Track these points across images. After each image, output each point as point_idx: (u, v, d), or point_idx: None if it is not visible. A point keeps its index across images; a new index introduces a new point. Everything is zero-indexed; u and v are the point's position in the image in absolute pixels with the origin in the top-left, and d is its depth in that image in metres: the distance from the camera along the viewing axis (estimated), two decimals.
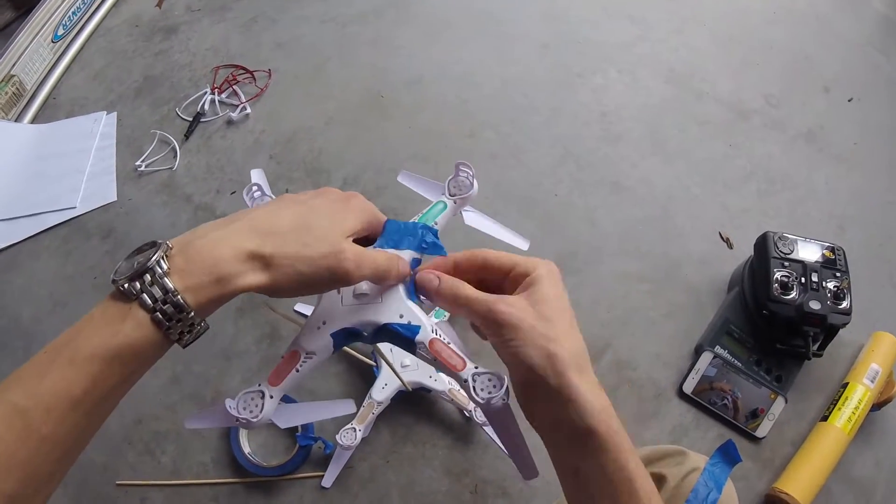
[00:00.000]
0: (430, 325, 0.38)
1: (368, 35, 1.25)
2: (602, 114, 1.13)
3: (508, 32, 1.26)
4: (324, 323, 0.38)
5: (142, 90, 1.20)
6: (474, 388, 0.35)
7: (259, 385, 0.37)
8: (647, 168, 1.07)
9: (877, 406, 0.87)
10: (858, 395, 0.84)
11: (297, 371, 0.37)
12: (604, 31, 1.27)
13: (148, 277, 0.29)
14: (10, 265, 1.01)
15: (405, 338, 0.37)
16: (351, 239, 0.36)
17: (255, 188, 0.44)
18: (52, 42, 1.26)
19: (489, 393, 0.35)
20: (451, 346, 0.37)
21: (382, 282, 0.38)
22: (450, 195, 0.45)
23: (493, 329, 0.35)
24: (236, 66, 1.16)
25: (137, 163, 1.07)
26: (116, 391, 0.30)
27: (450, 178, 0.46)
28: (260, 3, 1.35)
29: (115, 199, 1.04)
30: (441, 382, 0.76)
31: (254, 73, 1.15)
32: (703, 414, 0.84)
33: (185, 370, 0.86)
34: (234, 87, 1.13)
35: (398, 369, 0.75)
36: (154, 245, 0.31)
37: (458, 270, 0.39)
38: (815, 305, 0.80)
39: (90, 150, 1.11)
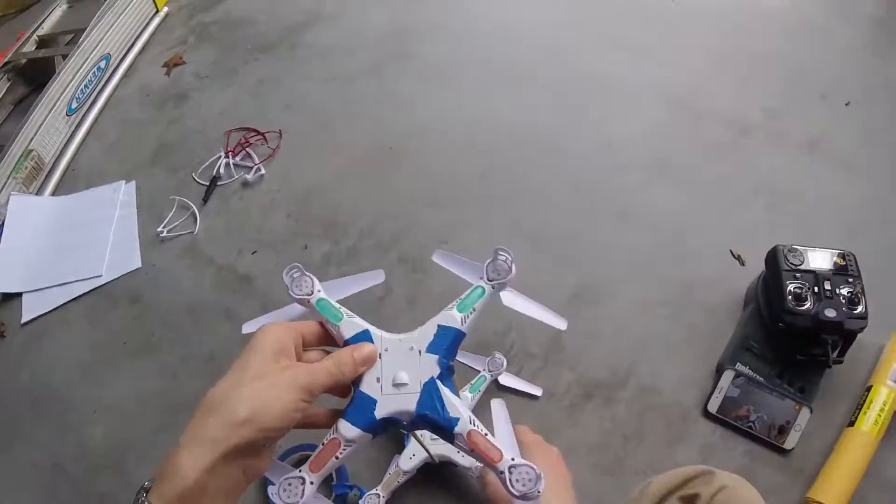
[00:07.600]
0: (468, 416, 0.39)
1: (371, 89, 1.30)
2: (608, 145, 1.16)
3: (508, 75, 1.30)
4: None
5: (158, 157, 1.25)
6: (510, 480, 0.36)
7: (300, 471, 0.39)
8: (656, 194, 1.09)
9: None
10: (883, 397, 0.85)
11: (337, 458, 0.39)
12: (603, 64, 1.30)
13: None
14: (41, 334, 1.03)
15: (444, 428, 0.39)
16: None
17: (294, 270, 0.45)
18: (67, 115, 1.31)
19: (524, 486, 0.36)
20: (489, 437, 0.38)
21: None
22: (488, 280, 0.45)
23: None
24: (248, 129, 1.21)
25: (159, 229, 1.11)
26: None
27: (488, 261, 0.45)
28: (264, 66, 1.41)
29: (140, 265, 1.08)
30: (468, 458, 0.75)
31: (265, 134, 1.19)
32: (730, 431, 0.85)
33: None
34: (248, 149, 1.17)
35: (426, 442, 0.75)
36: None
37: None
38: (830, 313, 0.82)
39: (112, 219, 1.14)
